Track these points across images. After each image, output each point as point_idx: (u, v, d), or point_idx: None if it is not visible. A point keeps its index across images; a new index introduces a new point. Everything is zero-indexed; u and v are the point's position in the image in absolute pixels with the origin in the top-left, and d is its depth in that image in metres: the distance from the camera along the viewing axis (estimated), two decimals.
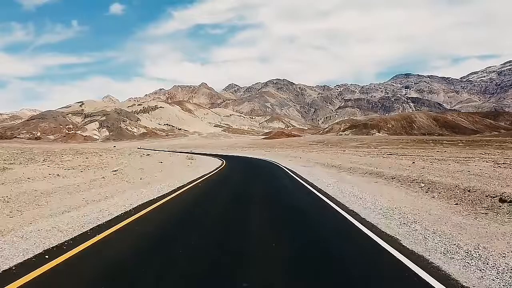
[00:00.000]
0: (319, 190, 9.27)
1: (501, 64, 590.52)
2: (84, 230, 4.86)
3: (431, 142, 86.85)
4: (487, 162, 18.66)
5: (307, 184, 10.73)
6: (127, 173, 13.38)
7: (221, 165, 21.79)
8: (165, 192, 8.71)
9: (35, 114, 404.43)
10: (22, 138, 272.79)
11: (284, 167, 19.37)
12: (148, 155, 32.86)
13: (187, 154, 43.07)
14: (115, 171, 13.78)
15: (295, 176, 13.37)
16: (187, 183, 11.05)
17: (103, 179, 10.96)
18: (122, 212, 6.20)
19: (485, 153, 33.31)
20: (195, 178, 12.58)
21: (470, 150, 42.97)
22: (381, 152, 38.79)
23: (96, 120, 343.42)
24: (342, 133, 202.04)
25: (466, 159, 21.96)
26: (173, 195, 8.34)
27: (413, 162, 18.45)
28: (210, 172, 15.55)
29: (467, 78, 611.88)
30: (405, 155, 31.09)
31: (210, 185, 10.93)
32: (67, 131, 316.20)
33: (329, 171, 16.16)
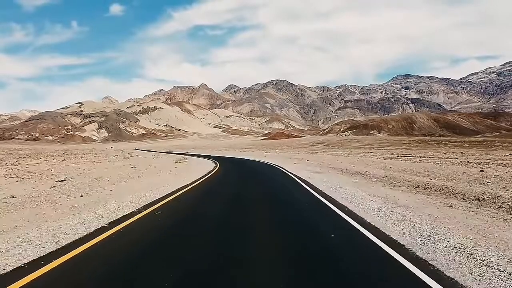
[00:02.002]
0: (373, 229, 5.05)
1: (501, 65, 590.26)
2: None
3: (434, 143, 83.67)
4: None
5: (341, 212, 6.47)
6: (73, 185, 9.46)
7: (212, 170, 17.55)
8: (76, 237, 4.61)
9: (35, 115, 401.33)
10: (21, 139, 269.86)
11: (291, 173, 15.16)
12: (130, 156, 29.02)
13: (181, 155, 39.26)
14: (62, 181, 9.98)
15: (313, 192, 9.14)
16: (142, 206, 7.03)
17: (12, 198, 7.05)
18: None
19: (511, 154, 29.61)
20: (164, 195, 8.69)
21: (484, 151, 39.33)
22: (392, 154, 34.97)
23: (95, 121, 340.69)
24: (342, 133, 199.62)
25: (508, 162, 18.06)
26: (76, 251, 4.00)
27: (482, 170, 13.20)
28: (192, 183, 11.44)
29: (467, 79, 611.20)
30: (425, 157, 27.23)
31: (177, 216, 6.38)
32: (65, 132, 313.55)
33: (354, 181, 11.84)
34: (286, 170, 17.08)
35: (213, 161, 26.99)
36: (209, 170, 17.39)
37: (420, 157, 27.55)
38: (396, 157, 27.66)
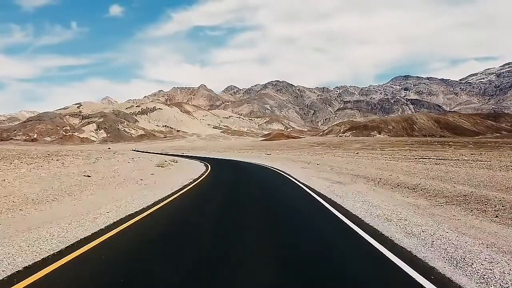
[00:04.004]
0: None
1: (500, 66, 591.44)
2: None
3: (437, 144, 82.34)
4: None
5: None
6: None
7: (198, 178, 13.69)
8: None
9: (33, 115, 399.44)
10: (19, 140, 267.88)
11: (304, 184, 11.26)
12: (112, 157, 27.03)
13: (172, 157, 36.49)
14: None
15: (366, 236, 4.97)
16: None
17: None
18: None
19: None
20: (60, 249, 4.37)
21: (497, 152, 37.72)
22: (405, 156, 33.14)
23: (94, 122, 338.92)
24: (342, 134, 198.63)
25: None
26: None
27: None
28: (156, 204, 7.72)
29: (466, 80, 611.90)
30: (447, 159, 25.28)
31: None
32: (64, 133, 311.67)
33: (408, 200, 8.04)
34: (296, 179, 13.12)
35: (205, 165, 23.66)
36: (193, 178, 13.58)
37: (445, 159, 25.06)
38: (418, 160, 24.77)
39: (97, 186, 10.42)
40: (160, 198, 8.54)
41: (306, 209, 7.50)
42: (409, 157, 31.18)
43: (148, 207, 7.32)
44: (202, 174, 16.11)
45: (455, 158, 26.37)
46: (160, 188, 10.51)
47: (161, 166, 19.93)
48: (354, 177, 13.58)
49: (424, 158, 28.48)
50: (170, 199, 8.58)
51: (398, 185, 10.21)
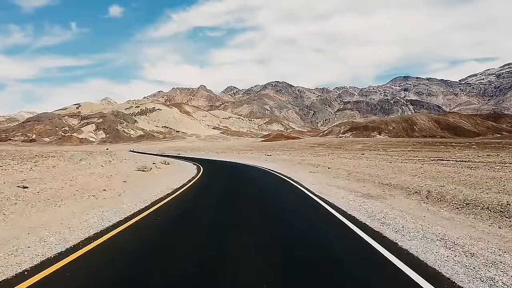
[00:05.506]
0: None
1: (500, 67, 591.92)
2: None
3: (440, 145, 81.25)
4: None
5: None
6: None
7: (180, 189, 10.46)
8: None
9: (32, 116, 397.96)
10: (17, 140, 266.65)
11: (322, 199, 8.16)
12: (85, 160, 25.59)
13: (164, 158, 33.93)
14: None
15: None
16: None
17: None
18: None
19: None
20: None
21: (505, 153, 36.48)
22: (417, 157, 31.18)
23: (93, 122, 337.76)
24: (342, 135, 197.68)
25: None
26: None
27: None
28: (68, 255, 4.07)
29: (466, 80, 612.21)
30: (470, 161, 22.91)
31: None
32: (63, 134, 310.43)
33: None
34: (309, 190, 9.78)
35: (197, 168, 21.00)
36: (174, 188, 10.59)
37: (469, 161, 22.34)
38: (441, 163, 21.66)
39: (24, 203, 7.29)
40: (94, 233, 5.13)
41: (351, 263, 3.86)
42: (423, 158, 29.01)
43: (49, 262, 3.85)
44: (189, 182, 12.87)
45: (479, 161, 23.68)
46: (116, 206, 7.41)
47: (142, 171, 16.09)
48: (385, 186, 10.23)
49: (442, 160, 26.07)
50: (110, 234, 5.10)
51: (466, 204, 6.98)
